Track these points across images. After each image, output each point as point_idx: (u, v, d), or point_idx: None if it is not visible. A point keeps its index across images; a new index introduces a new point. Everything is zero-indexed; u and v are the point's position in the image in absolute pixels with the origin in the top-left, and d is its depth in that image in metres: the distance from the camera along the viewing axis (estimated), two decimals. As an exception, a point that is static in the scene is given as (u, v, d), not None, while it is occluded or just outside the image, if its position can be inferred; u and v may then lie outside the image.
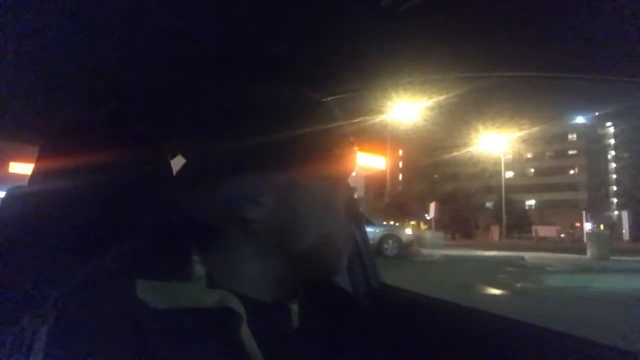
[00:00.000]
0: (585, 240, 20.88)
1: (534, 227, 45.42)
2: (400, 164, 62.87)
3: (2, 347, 0.52)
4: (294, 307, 0.64)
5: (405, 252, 13.38)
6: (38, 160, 0.88)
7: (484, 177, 57.36)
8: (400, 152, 61.42)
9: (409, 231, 14.51)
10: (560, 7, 0.63)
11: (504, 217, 46.19)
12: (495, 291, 8.42)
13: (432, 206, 24.19)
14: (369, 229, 11.71)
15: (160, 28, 0.75)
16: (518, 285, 9.19)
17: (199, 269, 0.57)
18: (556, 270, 11.87)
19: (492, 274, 10.58)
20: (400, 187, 54.49)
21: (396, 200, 39.77)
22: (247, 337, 0.55)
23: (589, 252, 15.47)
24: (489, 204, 56.55)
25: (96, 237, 0.82)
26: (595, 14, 0.63)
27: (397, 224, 15.77)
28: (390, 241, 13.69)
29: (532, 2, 0.64)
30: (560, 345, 0.89)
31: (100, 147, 0.90)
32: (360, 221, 1.33)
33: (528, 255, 15.82)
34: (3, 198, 0.89)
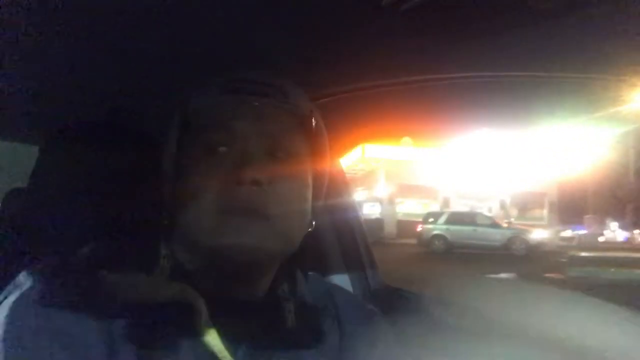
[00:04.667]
0: None
1: None
2: None
3: None
4: (290, 306, 0.64)
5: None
6: (38, 160, 0.88)
7: None
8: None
9: (538, 234, 14.90)
10: (560, 7, 0.63)
11: None
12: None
13: None
14: (495, 231, 12.91)
15: (160, 27, 0.75)
16: None
17: (164, 263, 0.58)
18: None
19: None
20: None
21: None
22: (208, 332, 0.55)
23: None
24: None
25: (96, 237, 0.83)
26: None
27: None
28: (517, 242, 14.34)
29: (533, 2, 0.63)
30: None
31: (100, 147, 0.90)
32: (359, 221, 1.33)
33: None
34: (3, 198, 0.89)
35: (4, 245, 0.84)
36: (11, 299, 0.51)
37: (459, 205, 21.00)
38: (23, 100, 0.90)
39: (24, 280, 0.53)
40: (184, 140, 0.61)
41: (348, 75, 0.88)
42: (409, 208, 21.57)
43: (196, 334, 0.54)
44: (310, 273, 0.74)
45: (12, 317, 0.49)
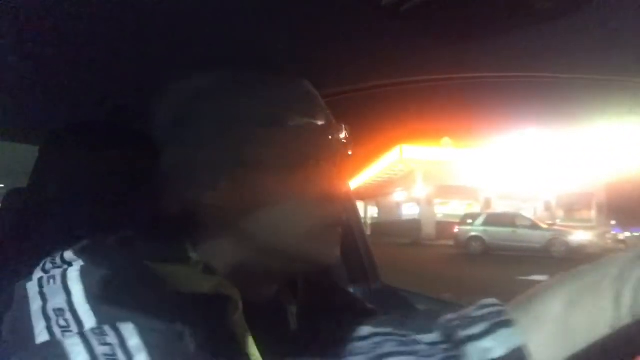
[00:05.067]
0: None
1: None
2: None
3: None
4: (293, 308, 0.66)
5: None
6: (38, 160, 0.88)
7: None
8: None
9: (581, 235, 14.76)
10: (561, 7, 0.63)
11: None
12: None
13: None
14: (535, 232, 12.59)
15: (160, 27, 0.76)
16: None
17: (194, 255, 0.59)
18: None
19: None
20: None
21: None
22: (242, 326, 0.56)
23: None
24: None
25: (96, 237, 0.82)
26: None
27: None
28: (557, 244, 14.29)
29: (533, 3, 0.63)
30: None
31: (100, 147, 0.90)
32: (359, 221, 1.31)
33: None
34: (3, 198, 0.90)
35: (4, 245, 0.83)
36: (57, 272, 0.51)
37: (501, 207, 20.57)
38: (23, 100, 0.91)
39: (69, 257, 0.53)
40: (273, 141, 0.61)
41: (348, 75, 0.90)
42: (449, 209, 21.27)
43: (231, 327, 0.56)
44: (310, 274, 0.75)
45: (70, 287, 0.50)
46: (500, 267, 11.55)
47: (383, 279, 1.29)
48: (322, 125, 0.64)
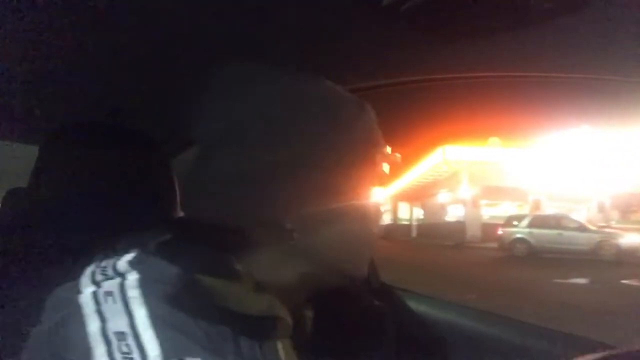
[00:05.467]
0: None
1: None
2: None
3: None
4: (309, 312, 0.67)
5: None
6: (38, 160, 0.89)
7: None
8: None
9: (633, 238, 14.27)
10: (561, 8, 0.64)
11: None
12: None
13: None
14: (582, 235, 12.02)
15: (161, 26, 0.77)
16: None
17: (240, 268, 0.57)
18: None
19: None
20: None
21: None
22: (289, 350, 0.57)
23: None
24: None
25: (96, 237, 0.82)
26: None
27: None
28: (606, 247, 13.92)
29: (533, 3, 0.65)
30: (561, 346, 0.91)
31: (100, 147, 0.91)
32: None
33: None
34: (3, 198, 0.91)
35: (4, 245, 0.84)
36: (114, 287, 0.49)
37: (551, 208, 19.86)
38: (23, 100, 0.92)
39: (122, 269, 0.52)
40: (348, 155, 0.60)
41: (348, 75, 0.91)
42: (499, 211, 20.76)
43: (280, 352, 0.56)
44: None
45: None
46: (542, 269, 11.31)
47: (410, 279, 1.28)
48: (380, 145, 0.64)
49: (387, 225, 34.29)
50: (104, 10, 0.70)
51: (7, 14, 0.72)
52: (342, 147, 0.59)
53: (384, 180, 0.67)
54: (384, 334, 0.73)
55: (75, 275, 0.53)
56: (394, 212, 34.91)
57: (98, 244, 0.75)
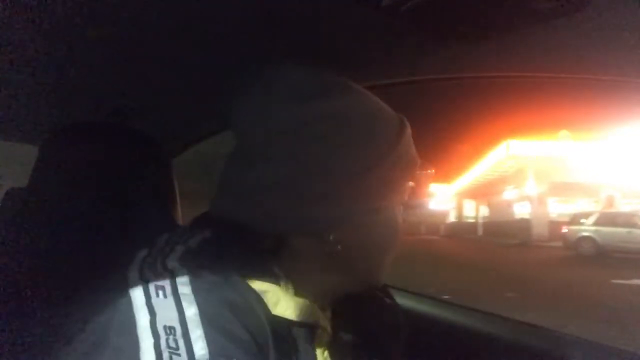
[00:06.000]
0: None
1: None
2: None
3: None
4: (327, 312, 0.67)
5: None
6: (38, 160, 0.89)
7: None
8: None
9: None
10: (561, 7, 0.63)
11: None
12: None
13: None
14: None
15: (161, 26, 0.77)
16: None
17: (280, 273, 0.58)
18: None
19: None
20: None
21: None
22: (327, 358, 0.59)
23: None
24: None
25: (96, 237, 0.82)
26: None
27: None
28: None
29: (533, 4, 0.64)
30: (562, 346, 0.92)
31: (100, 147, 0.90)
32: None
33: None
34: (3, 198, 0.93)
35: (4, 245, 0.85)
36: (165, 282, 0.50)
37: (626, 205, 18.68)
38: (23, 100, 0.93)
39: (172, 266, 0.52)
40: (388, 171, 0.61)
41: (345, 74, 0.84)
42: (568, 208, 19.76)
43: (318, 357, 0.58)
44: None
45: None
46: (608, 269, 10.67)
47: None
48: (416, 160, 0.66)
49: (452, 224, 33.86)
50: (104, 9, 0.70)
51: (7, 13, 0.72)
52: (384, 164, 0.59)
53: (419, 194, 0.68)
54: (398, 331, 0.73)
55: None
56: (459, 210, 34.28)
57: (99, 244, 0.73)
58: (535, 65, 0.80)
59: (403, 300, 1.20)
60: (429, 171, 0.68)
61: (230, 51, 0.85)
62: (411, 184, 0.66)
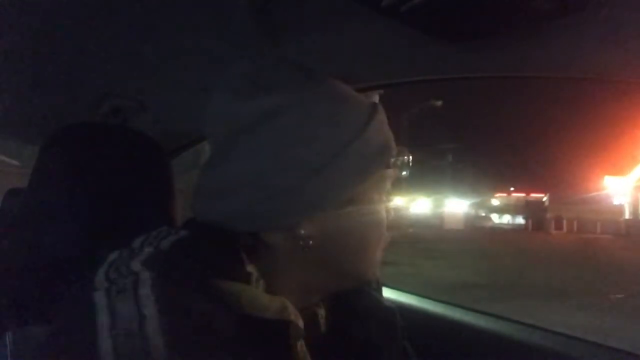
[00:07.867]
0: None
1: None
2: None
3: None
4: (322, 312, 0.67)
5: None
6: (38, 161, 0.89)
7: None
8: None
9: None
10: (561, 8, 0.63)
11: None
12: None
13: None
14: None
15: (162, 26, 0.77)
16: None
17: (251, 269, 0.57)
18: None
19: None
20: None
21: None
22: (303, 354, 0.57)
23: None
24: None
25: (96, 238, 0.79)
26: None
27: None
28: None
29: (533, 4, 0.64)
30: (562, 347, 0.92)
31: (100, 148, 0.90)
32: None
33: None
34: (3, 198, 0.93)
35: (4, 245, 0.86)
36: (127, 283, 0.50)
37: None
38: (23, 100, 0.92)
39: (136, 268, 0.52)
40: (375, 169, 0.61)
41: (346, 75, 0.85)
42: None
43: (293, 355, 0.56)
44: None
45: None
46: None
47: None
48: (391, 148, 0.64)
49: (627, 221, 29.57)
50: (104, 9, 0.70)
51: (7, 13, 0.72)
52: (350, 151, 0.57)
53: (396, 183, 0.67)
54: (395, 332, 0.73)
55: (85, 274, 0.53)
56: (635, 206, 30.69)
57: (100, 244, 0.74)
58: (534, 65, 0.80)
59: (402, 300, 1.24)
60: (405, 157, 0.65)
61: (230, 51, 0.84)
62: (391, 171, 0.63)
